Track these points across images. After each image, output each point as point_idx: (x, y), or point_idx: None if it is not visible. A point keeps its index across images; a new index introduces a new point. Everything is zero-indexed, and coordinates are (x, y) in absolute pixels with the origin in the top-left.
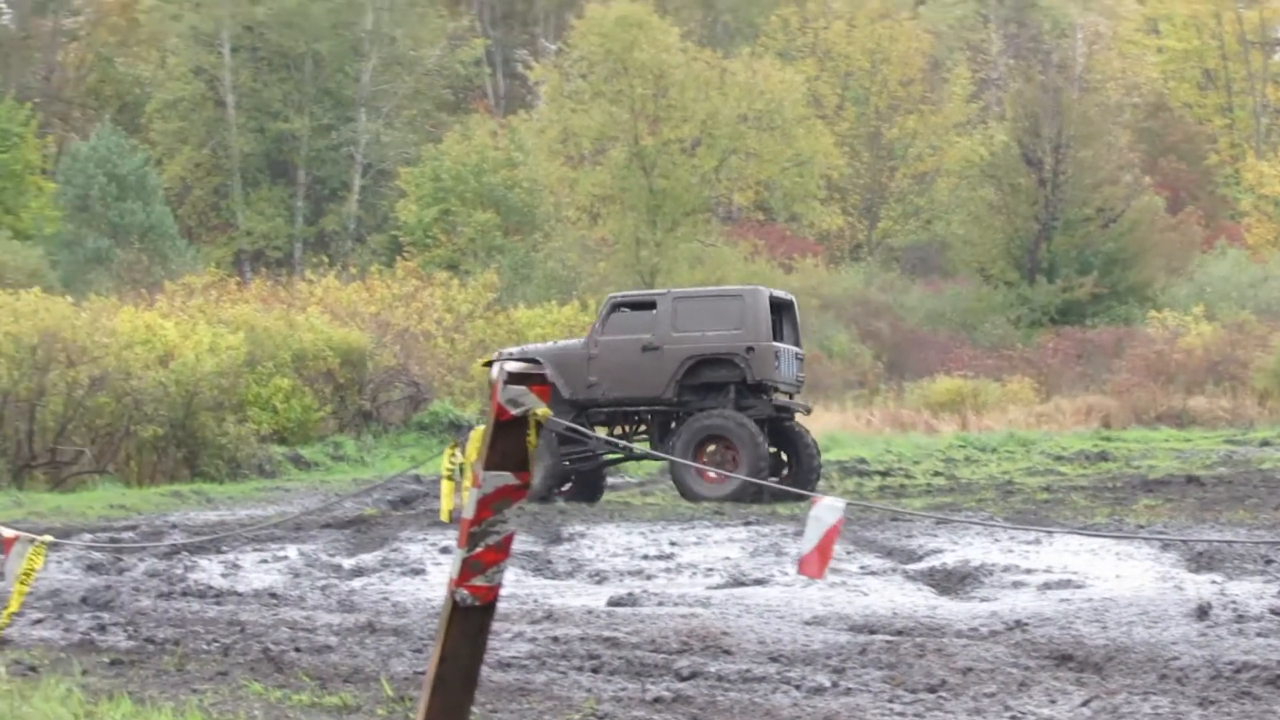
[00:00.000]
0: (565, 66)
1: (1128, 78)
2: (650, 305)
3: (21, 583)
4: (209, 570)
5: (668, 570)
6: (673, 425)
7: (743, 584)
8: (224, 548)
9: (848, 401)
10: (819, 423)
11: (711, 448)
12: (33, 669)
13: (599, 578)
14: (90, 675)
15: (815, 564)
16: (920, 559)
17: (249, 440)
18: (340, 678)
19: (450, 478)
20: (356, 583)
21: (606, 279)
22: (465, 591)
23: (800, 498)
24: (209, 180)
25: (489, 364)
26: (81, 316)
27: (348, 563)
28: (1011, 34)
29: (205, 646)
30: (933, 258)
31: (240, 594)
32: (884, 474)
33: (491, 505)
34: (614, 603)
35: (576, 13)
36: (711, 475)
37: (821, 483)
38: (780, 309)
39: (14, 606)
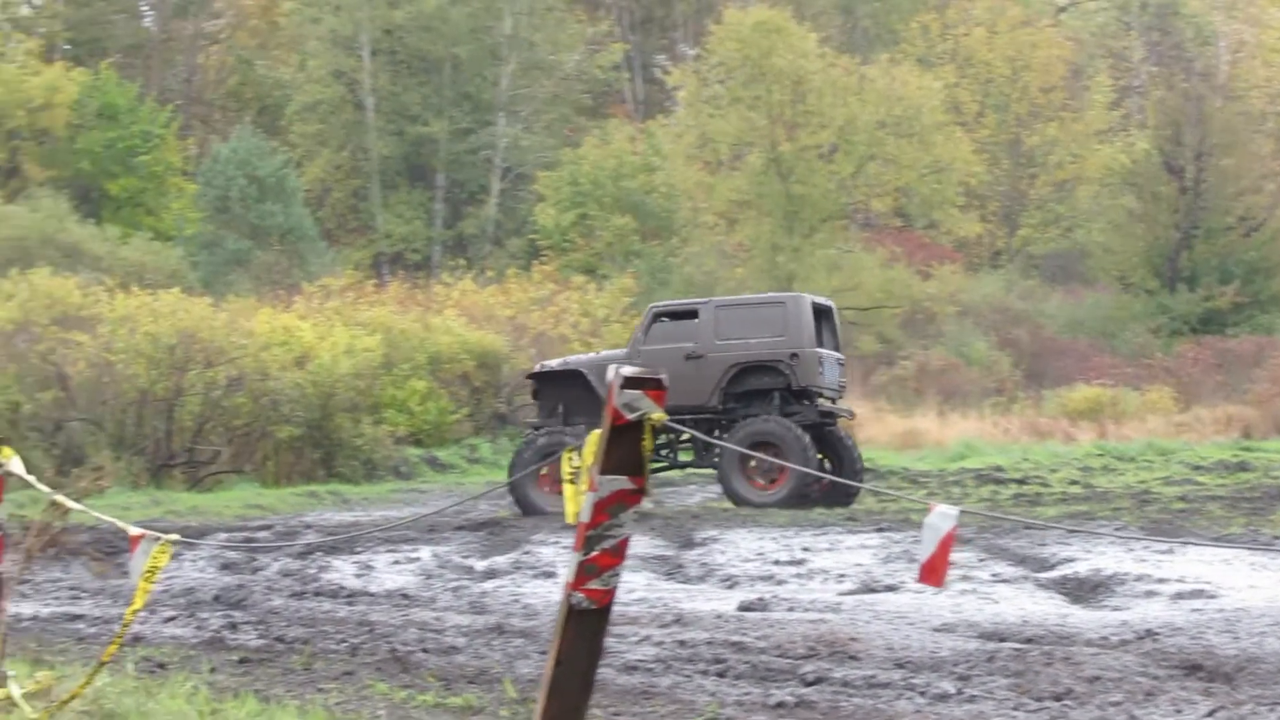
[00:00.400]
0: (703, 72)
1: (1272, 86)
2: (692, 314)
3: (146, 580)
4: (342, 570)
5: (799, 576)
6: (716, 433)
7: (874, 590)
8: (358, 548)
9: (985, 409)
10: (956, 430)
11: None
12: (162, 666)
13: (730, 582)
14: (218, 673)
15: (935, 573)
16: (1052, 567)
17: (385, 442)
18: (465, 679)
19: (571, 481)
20: (488, 584)
21: (743, 284)
22: (581, 595)
23: (845, 503)
24: (348, 183)
25: (531, 376)
26: (219, 317)
27: (480, 564)
28: (1154, 41)
29: (334, 646)
30: (1073, 265)
31: (372, 594)
32: (1020, 482)
33: (607, 509)
34: (744, 607)
35: (715, 18)
36: (760, 481)
37: (957, 489)
38: (820, 315)
39: (138, 604)
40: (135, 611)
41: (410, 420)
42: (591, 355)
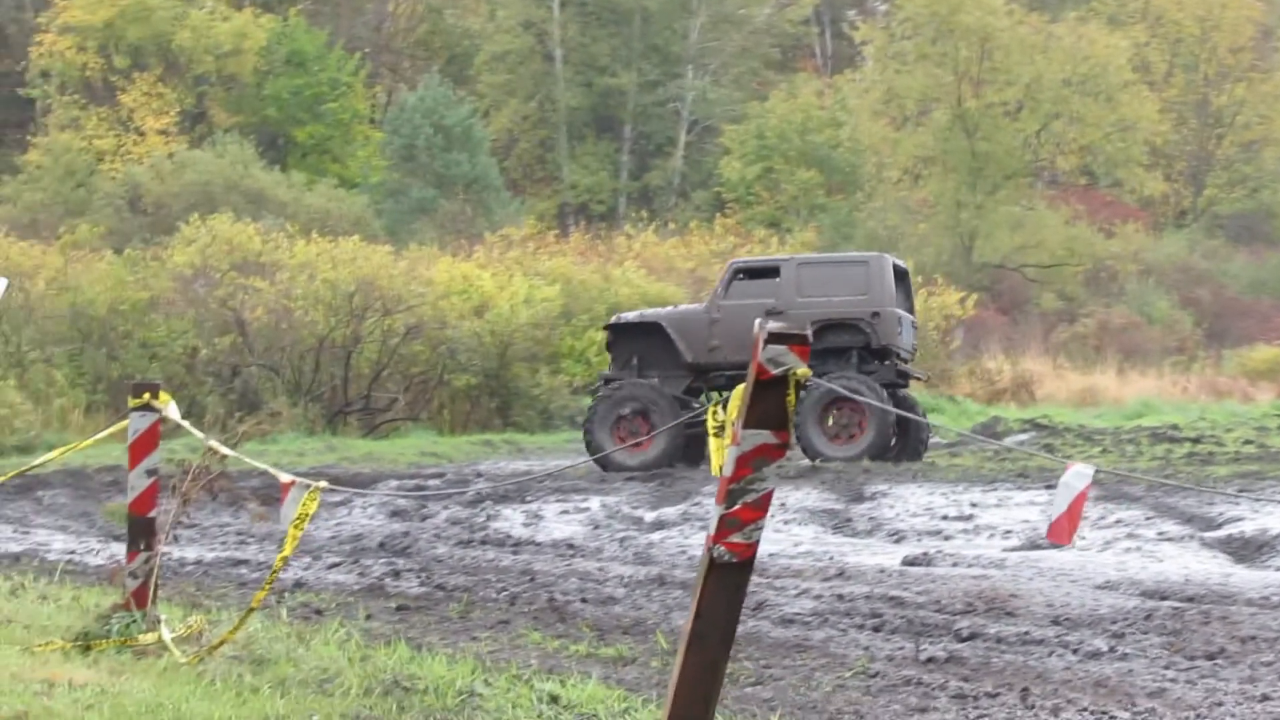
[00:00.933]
0: (891, 27)
1: None
2: (774, 271)
3: (296, 527)
4: (511, 519)
5: (966, 531)
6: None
7: (1039, 547)
8: (528, 497)
9: (1165, 368)
10: (1135, 388)
11: (836, 411)
12: (319, 612)
13: (896, 537)
14: (374, 620)
15: (1064, 529)
16: (1219, 526)
17: (562, 392)
18: (620, 629)
19: (716, 434)
20: (655, 535)
21: (926, 240)
22: (723, 548)
23: (915, 458)
24: (535, 133)
25: (607, 327)
26: (399, 265)
27: (649, 515)
28: None
29: (494, 595)
30: (1258, 226)
31: (538, 544)
32: (1194, 440)
33: (750, 463)
34: (908, 562)
35: None
36: (838, 435)
37: (1130, 447)
38: (898, 277)
39: (288, 550)
40: (285, 558)
41: (588, 370)
42: (669, 308)
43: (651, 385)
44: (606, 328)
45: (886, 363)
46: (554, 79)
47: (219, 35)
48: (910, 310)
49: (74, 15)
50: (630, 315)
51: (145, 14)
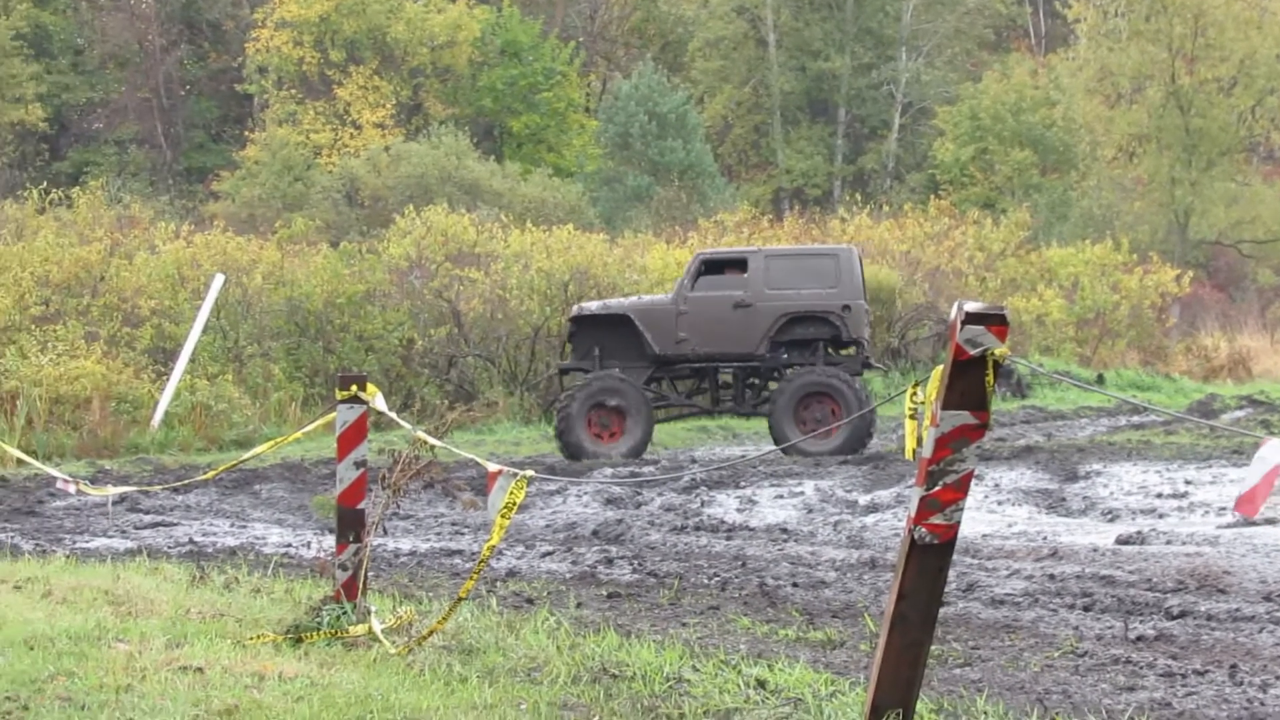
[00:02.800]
0: (1104, 5)
1: None
2: (741, 263)
3: (503, 516)
4: (725, 505)
5: (1180, 509)
6: (755, 381)
7: (1254, 523)
8: (742, 483)
9: None
10: None
11: (814, 404)
12: (530, 601)
13: (1111, 516)
14: (585, 608)
15: (1252, 501)
16: None
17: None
18: (830, 613)
19: (913, 416)
20: (869, 519)
21: (1141, 218)
22: (924, 529)
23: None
24: (749, 119)
25: (572, 319)
26: (613, 253)
27: (863, 499)
28: None
29: (705, 581)
30: None
31: (751, 529)
32: None
33: (950, 444)
34: (1121, 541)
35: None
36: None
37: None
38: None
39: (494, 540)
40: (492, 547)
41: None
42: (634, 299)
43: (612, 374)
44: (570, 319)
45: (857, 353)
46: (767, 64)
47: (434, 27)
48: (864, 299)
49: (290, 10)
50: (593, 305)
51: (360, 7)
